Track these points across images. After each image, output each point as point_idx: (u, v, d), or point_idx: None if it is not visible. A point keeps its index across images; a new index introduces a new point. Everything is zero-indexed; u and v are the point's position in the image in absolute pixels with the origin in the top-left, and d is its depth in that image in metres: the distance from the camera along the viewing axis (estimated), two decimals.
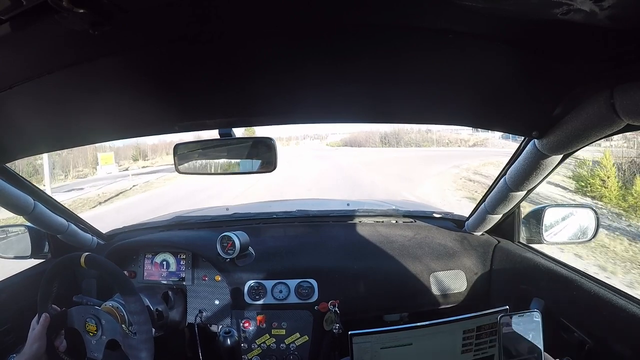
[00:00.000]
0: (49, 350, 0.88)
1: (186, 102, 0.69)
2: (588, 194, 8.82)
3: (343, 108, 0.76)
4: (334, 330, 1.17)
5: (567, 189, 9.60)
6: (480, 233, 1.35)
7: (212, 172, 0.88)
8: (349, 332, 0.75)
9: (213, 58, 0.55)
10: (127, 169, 23.11)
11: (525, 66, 0.58)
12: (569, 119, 0.66)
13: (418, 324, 0.74)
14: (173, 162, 0.90)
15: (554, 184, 9.67)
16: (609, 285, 0.85)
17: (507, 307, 0.72)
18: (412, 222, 1.51)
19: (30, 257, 1.31)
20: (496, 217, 1.22)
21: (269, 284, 1.27)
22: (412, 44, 0.52)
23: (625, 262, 4.53)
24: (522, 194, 1.03)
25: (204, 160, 0.88)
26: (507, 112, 0.74)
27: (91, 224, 1.41)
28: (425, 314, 1.39)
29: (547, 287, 1.00)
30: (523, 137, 0.87)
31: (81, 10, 0.35)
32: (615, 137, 0.73)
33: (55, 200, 1.20)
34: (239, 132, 0.87)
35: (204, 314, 1.28)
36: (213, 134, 0.86)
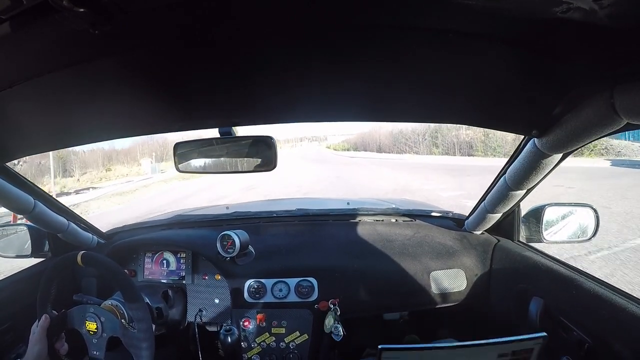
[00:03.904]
0: (50, 353, 0.88)
1: (186, 101, 0.69)
2: None
3: (343, 107, 0.76)
4: (334, 334, 1.17)
5: None
6: (480, 232, 1.35)
7: (212, 170, 0.89)
8: (379, 347, 0.69)
9: (213, 58, 0.55)
10: None
11: (525, 65, 0.58)
12: (568, 118, 0.66)
13: (453, 344, 0.71)
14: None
15: None
16: (609, 285, 0.85)
17: (545, 334, 0.70)
18: (411, 221, 1.51)
19: (31, 256, 1.31)
20: (496, 216, 1.22)
21: (269, 282, 1.27)
22: (413, 43, 0.52)
23: None
24: (522, 193, 1.03)
25: (203, 159, 0.88)
26: (507, 111, 0.74)
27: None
28: (425, 312, 1.40)
29: (547, 286, 1.00)
30: (523, 136, 0.87)
31: (81, 10, 0.35)
32: None
33: (56, 200, 1.20)
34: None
35: (204, 312, 1.29)
36: (213, 132, 0.86)
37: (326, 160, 23.82)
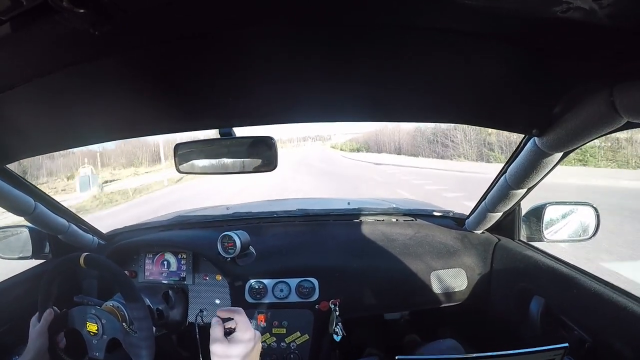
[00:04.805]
0: (50, 348, 0.88)
1: (187, 102, 0.69)
2: None
3: (344, 107, 0.76)
4: (335, 335, 1.17)
5: None
6: (480, 231, 1.35)
7: (212, 171, 0.88)
8: (396, 357, 0.68)
9: (214, 58, 0.55)
10: None
11: (525, 64, 0.58)
12: (569, 117, 0.66)
13: (472, 354, 0.70)
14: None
15: None
16: (610, 284, 0.86)
17: (567, 345, 0.69)
18: (412, 220, 1.51)
19: (31, 257, 1.31)
20: (496, 215, 1.22)
21: (269, 283, 1.27)
22: (413, 43, 0.52)
23: None
24: (522, 191, 1.03)
25: (204, 160, 0.88)
26: (507, 110, 0.74)
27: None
28: (426, 312, 1.40)
29: (548, 285, 1.00)
30: (523, 135, 0.87)
31: (81, 10, 0.35)
32: None
33: (56, 201, 1.20)
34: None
35: (205, 313, 1.29)
36: (213, 133, 0.86)
37: (336, 170, 14.50)
